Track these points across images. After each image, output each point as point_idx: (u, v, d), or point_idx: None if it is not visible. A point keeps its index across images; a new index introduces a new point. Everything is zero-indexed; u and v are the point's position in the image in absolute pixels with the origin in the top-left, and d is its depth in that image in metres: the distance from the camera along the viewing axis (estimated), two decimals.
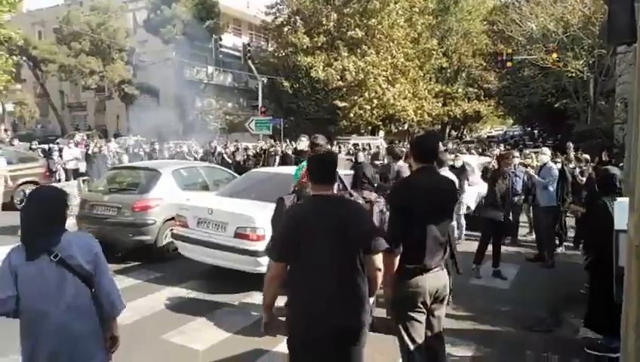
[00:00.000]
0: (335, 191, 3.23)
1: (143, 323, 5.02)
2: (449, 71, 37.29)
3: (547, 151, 8.14)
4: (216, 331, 4.81)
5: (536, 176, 7.70)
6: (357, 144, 20.84)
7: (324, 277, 2.52)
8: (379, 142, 23.37)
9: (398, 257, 2.92)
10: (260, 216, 5.50)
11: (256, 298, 5.69)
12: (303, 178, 4.52)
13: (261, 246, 5.36)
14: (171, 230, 6.90)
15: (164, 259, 7.23)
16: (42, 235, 2.42)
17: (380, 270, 2.66)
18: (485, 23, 35.91)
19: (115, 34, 31.29)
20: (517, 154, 10.59)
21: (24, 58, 29.54)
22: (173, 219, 6.85)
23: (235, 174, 9.32)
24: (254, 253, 5.51)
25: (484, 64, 36.14)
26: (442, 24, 34.85)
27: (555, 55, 21.36)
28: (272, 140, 21.07)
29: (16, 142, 18.66)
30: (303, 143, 14.16)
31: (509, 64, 23.12)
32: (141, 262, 7.32)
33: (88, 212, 7.55)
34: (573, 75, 21.35)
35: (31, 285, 2.42)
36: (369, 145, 21.05)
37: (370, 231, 2.67)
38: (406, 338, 2.98)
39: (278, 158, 14.83)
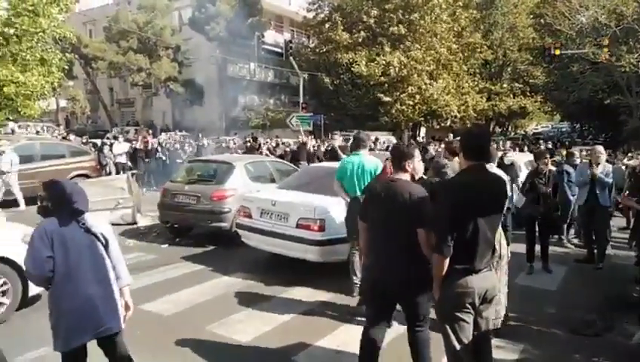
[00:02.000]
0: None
1: (188, 313, 5.20)
2: (494, 66, 36.40)
3: (602, 150, 7.76)
4: (260, 323, 4.89)
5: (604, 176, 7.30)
6: (377, 138, 20.67)
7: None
8: (385, 138, 22.96)
9: (448, 259, 2.88)
10: (320, 208, 5.98)
11: (301, 291, 5.80)
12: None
13: (321, 236, 5.81)
14: (236, 220, 7.38)
15: (231, 246, 7.61)
16: (71, 208, 2.91)
17: None
18: (532, 16, 34.76)
19: (162, 32, 32.11)
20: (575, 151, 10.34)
21: (76, 56, 30.71)
22: None
23: (297, 168, 10.01)
24: (315, 243, 5.90)
25: (531, 58, 35.06)
26: (487, 18, 33.99)
27: (606, 49, 20.49)
28: (312, 136, 21.20)
29: (72, 136, 19.50)
30: (337, 141, 14.26)
31: (557, 52, 22.01)
32: (198, 251, 7.74)
33: (170, 200, 8.34)
34: (627, 69, 20.46)
35: (64, 247, 2.84)
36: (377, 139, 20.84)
37: None
38: (453, 338, 2.94)
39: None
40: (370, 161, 5.54)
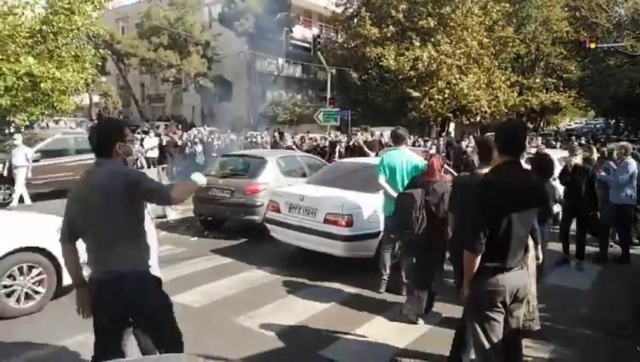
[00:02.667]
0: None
1: (217, 305, 5.28)
2: (526, 60, 35.63)
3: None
4: (288, 316, 4.93)
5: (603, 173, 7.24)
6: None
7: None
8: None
9: (480, 257, 2.84)
10: (348, 203, 6.02)
11: (328, 285, 5.83)
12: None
13: (348, 231, 5.86)
14: (265, 214, 7.52)
15: (261, 239, 7.70)
16: None
17: None
18: (567, 9, 33.92)
19: (192, 28, 32.51)
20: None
21: (109, 52, 31.39)
22: None
23: (327, 163, 10.14)
24: (342, 238, 5.93)
25: (565, 52, 34.21)
26: (519, 11, 33.26)
27: None
28: (339, 132, 21.19)
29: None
30: (362, 137, 14.28)
31: (592, 45, 21.32)
32: (228, 244, 7.90)
33: (204, 193, 8.39)
34: None
35: None
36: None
37: None
38: (482, 337, 2.90)
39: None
40: (413, 156, 5.57)
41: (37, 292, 4.94)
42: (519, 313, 3.07)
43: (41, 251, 4.94)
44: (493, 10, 28.32)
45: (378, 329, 4.69)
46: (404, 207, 4.69)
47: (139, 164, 15.79)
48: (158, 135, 18.70)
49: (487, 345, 2.89)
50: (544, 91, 35.20)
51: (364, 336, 4.54)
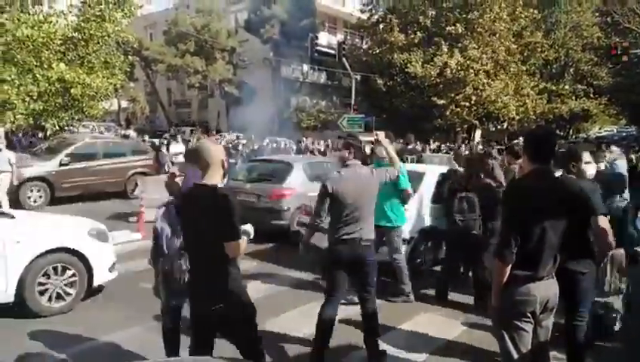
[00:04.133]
0: None
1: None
2: (555, 66, 34.94)
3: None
4: (312, 322, 4.82)
5: None
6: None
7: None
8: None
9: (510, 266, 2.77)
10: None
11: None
12: None
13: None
14: (297, 218, 7.71)
15: (288, 244, 7.71)
16: None
17: None
18: (597, 14, 33.18)
19: (218, 35, 32.95)
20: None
21: (137, 58, 32.05)
22: None
23: None
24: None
25: (595, 59, 33.43)
26: (549, 17, 32.68)
27: None
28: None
29: (132, 133, 20.38)
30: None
31: (624, 58, 20.93)
32: (254, 249, 7.82)
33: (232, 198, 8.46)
34: None
35: None
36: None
37: None
38: (511, 347, 2.83)
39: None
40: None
41: (68, 293, 5.07)
42: (548, 323, 2.99)
43: (75, 252, 5.11)
44: (521, 16, 27.89)
45: (406, 337, 4.59)
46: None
47: (166, 168, 15.95)
48: (185, 141, 18.94)
49: (515, 356, 2.83)
50: (574, 98, 34.44)
51: (387, 345, 4.44)
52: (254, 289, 5.81)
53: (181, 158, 16.57)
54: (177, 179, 3.70)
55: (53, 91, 13.30)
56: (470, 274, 5.90)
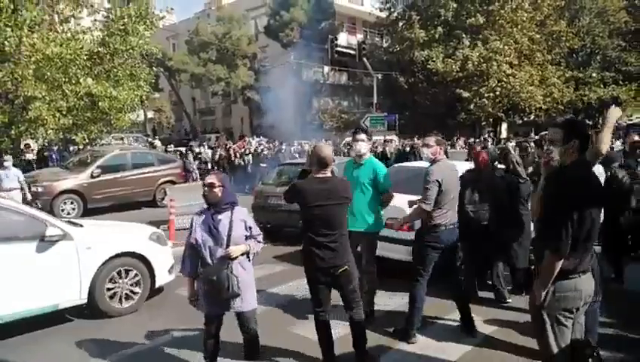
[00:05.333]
0: None
1: (271, 312, 5.31)
2: (581, 54, 34.12)
3: None
4: (340, 327, 4.81)
5: None
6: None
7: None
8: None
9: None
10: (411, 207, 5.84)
11: (381, 298, 5.70)
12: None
13: (410, 235, 5.66)
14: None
15: None
16: None
17: None
18: None
19: (239, 42, 33.26)
20: None
21: (161, 69, 32.64)
22: None
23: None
24: (405, 242, 5.87)
25: (624, 44, 32.50)
26: (572, 4, 31.93)
27: None
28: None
29: (158, 142, 20.82)
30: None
31: None
32: (283, 251, 7.98)
33: (263, 202, 8.89)
34: None
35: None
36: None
37: None
38: (552, 342, 2.78)
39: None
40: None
41: (134, 294, 5.47)
42: (582, 319, 2.93)
43: (139, 256, 5.52)
44: (544, 5, 27.34)
45: (430, 340, 4.57)
46: None
47: (194, 175, 16.23)
48: (211, 148, 19.21)
49: (555, 351, 2.79)
50: (602, 86, 33.53)
51: (416, 347, 4.44)
52: (284, 292, 5.91)
53: (207, 165, 16.87)
54: (216, 190, 3.63)
55: (81, 105, 13.66)
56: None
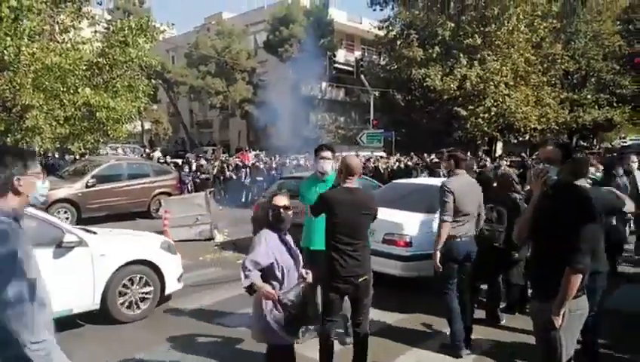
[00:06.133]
0: None
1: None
2: (576, 76, 34.53)
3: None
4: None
5: None
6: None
7: None
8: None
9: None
10: (408, 224, 6.08)
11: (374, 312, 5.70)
12: None
13: (407, 251, 5.92)
14: None
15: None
16: None
17: None
18: (619, 22, 32.79)
19: (238, 56, 33.52)
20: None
21: (160, 81, 32.77)
22: None
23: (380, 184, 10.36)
24: (401, 258, 6.01)
25: (618, 67, 32.93)
26: (568, 26, 32.39)
27: None
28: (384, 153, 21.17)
29: (159, 154, 20.89)
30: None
31: None
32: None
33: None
34: None
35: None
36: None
37: None
38: (563, 351, 2.83)
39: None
40: None
41: (145, 300, 5.62)
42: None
43: (150, 264, 5.67)
44: (540, 27, 27.73)
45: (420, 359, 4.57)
46: None
47: (189, 187, 16.23)
48: (207, 160, 19.25)
49: (564, 358, 2.85)
50: (596, 107, 33.90)
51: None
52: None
53: (203, 177, 16.87)
54: (290, 212, 3.47)
55: (79, 115, 13.68)
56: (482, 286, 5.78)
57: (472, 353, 4.63)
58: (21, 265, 1.99)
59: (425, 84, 26.44)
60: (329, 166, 4.72)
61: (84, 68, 13.38)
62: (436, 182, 7.77)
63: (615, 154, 28.93)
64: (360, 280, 3.68)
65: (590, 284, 3.55)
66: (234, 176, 17.66)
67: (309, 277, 3.45)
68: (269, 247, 3.33)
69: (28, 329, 1.99)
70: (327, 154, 4.68)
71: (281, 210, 3.41)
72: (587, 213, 2.77)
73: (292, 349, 3.51)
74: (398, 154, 20.80)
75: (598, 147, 42.01)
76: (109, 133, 14.79)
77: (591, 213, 2.78)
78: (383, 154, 22.58)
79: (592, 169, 8.62)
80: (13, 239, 2.01)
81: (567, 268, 2.70)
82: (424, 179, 10.98)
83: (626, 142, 54.07)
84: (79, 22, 14.90)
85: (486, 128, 26.66)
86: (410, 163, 17.93)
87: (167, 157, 21.48)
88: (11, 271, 1.97)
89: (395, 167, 17.08)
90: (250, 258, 3.28)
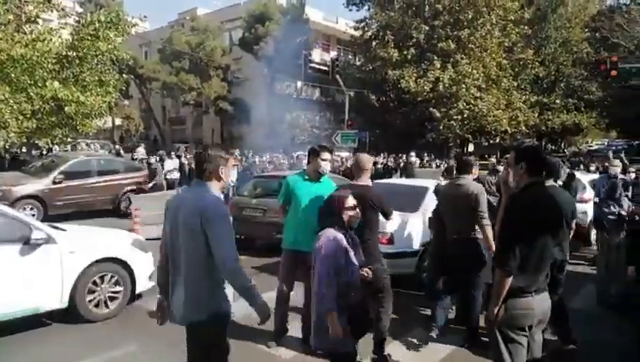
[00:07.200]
0: None
1: (240, 325, 5.19)
2: (546, 81, 35.43)
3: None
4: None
5: None
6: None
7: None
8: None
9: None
10: (389, 221, 5.92)
11: None
12: None
13: (389, 249, 5.95)
14: None
15: None
16: None
17: None
18: (587, 30, 33.78)
19: (213, 52, 33.18)
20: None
21: (132, 76, 32.19)
22: None
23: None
24: (383, 255, 5.97)
25: (585, 73, 33.94)
26: (539, 33, 33.21)
27: None
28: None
29: (141, 148, 20.53)
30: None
31: (613, 73, 20.97)
32: (260, 263, 7.91)
33: (238, 213, 8.79)
34: None
35: None
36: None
37: None
38: (507, 360, 2.83)
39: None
40: None
41: (114, 300, 5.48)
42: (539, 337, 2.99)
43: (120, 262, 5.54)
44: (512, 32, 28.32)
45: (395, 354, 4.59)
46: None
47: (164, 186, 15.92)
48: (178, 156, 18.93)
49: None
50: (565, 112, 34.87)
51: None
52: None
53: (175, 175, 16.60)
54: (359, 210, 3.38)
55: (47, 109, 13.30)
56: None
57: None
58: None
59: (399, 86, 26.67)
60: (328, 167, 4.72)
61: (53, 61, 13.03)
62: (417, 183, 7.93)
63: (582, 158, 29.82)
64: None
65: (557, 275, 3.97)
66: None
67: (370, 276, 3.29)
68: (340, 246, 3.14)
69: None
70: (327, 155, 4.63)
71: (350, 211, 3.27)
72: (510, 217, 2.86)
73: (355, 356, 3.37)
74: (382, 155, 20.92)
75: (564, 151, 43.14)
76: (78, 128, 14.44)
77: (513, 219, 2.83)
78: (349, 154, 22.70)
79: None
80: None
81: (496, 269, 2.81)
82: (405, 180, 11.10)
83: (592, 146, 55.86)
84: (47, 13, 14.52)
85: (458, 130, 27.07)
86: (390, 163, 18.16)
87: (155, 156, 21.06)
88: None
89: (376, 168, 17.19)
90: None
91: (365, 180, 4.26)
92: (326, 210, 3.24)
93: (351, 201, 3.29)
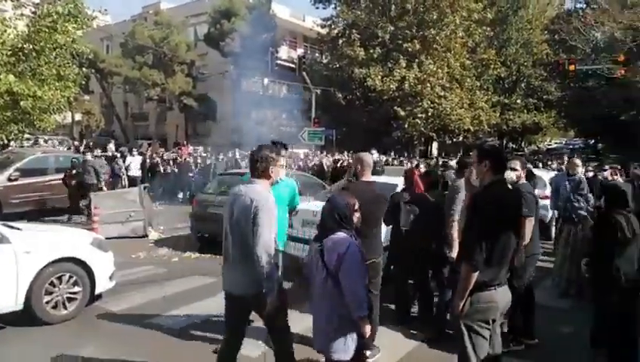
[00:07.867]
0: None
1: (199, 327, 5.15)
2: (507, 81, 36.36)
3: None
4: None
5: None
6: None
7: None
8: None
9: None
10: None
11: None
12: None
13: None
14: None
15: None
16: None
17: None
18: (546, 32, 34.84)
19: (177, 47, 32.53)
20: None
21: (93, 71, 31.22)
22: None
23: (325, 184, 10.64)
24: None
25: (545, 74, 35.01)
26: (501, 34, 34.04)
27: (622, 65, 20.25)
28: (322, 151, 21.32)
29: (111, 145, 19.94)
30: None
31: (571, 67, 21.47)
32: (210, 264, 7.69)
33: (202, 211, 8.72)
34: None
35: None
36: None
37: None
38: (471, 353, 2.89)
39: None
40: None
41: (73, 300, 5.32)
42: (499, 330, 3.09)
43: (79, 262, 5.40)
44: (475, 33, 28.91)
45: None
46: None
47: (122, 182, 15.56)
48: (141, 153, 18.52)
49: (473, 361, 2.89)
50: (525, 111, 35.89)
51: None
52: (212, 306, 5.73)
53: (137, 172, 16.23)
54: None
55: (1, 104, 12.76)
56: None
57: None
58: None
59: (365, 84, 26.84)
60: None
61: (7, 53, 12.50)
62: (386, 180, 7.93)
63: (541, 156, 30.77)
64: (367, 262, 3.64)
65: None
66: (176, 170, 17.14)
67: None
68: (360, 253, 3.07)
69: None
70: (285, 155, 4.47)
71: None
72: (476, 214, 2.90)
73: None
74: (346, 153, 20.95)
75: (524, 149, 44.40)
76: (36, 123, 13.90)
77: (479, 215, 2.87)
78: (307, 151, 22.83)
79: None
80: None
81: (463, 264, 2.87)
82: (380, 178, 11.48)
83: (550, 144, 57.73)
84: (3, 3, 13.92)
85: (423, 129, 27.47)
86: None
87: (98, 149, 20.43)
88: None
89: (339, 165, 17.21)
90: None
91: (369, 177, 4.44)
92: (338, 214, 3.05)
93: (357, 204, 3.24)
